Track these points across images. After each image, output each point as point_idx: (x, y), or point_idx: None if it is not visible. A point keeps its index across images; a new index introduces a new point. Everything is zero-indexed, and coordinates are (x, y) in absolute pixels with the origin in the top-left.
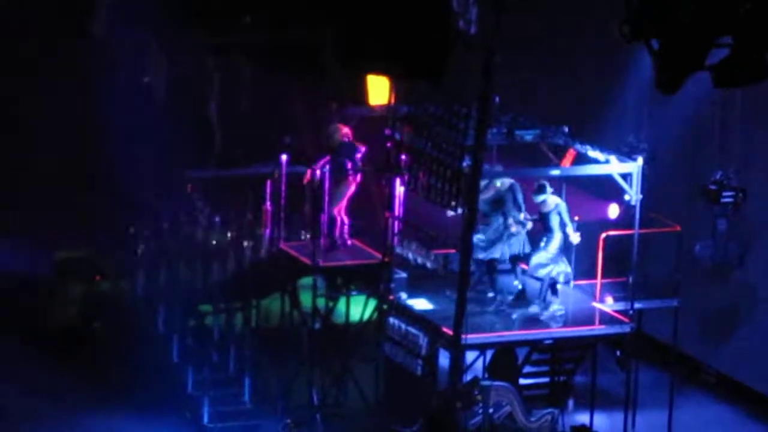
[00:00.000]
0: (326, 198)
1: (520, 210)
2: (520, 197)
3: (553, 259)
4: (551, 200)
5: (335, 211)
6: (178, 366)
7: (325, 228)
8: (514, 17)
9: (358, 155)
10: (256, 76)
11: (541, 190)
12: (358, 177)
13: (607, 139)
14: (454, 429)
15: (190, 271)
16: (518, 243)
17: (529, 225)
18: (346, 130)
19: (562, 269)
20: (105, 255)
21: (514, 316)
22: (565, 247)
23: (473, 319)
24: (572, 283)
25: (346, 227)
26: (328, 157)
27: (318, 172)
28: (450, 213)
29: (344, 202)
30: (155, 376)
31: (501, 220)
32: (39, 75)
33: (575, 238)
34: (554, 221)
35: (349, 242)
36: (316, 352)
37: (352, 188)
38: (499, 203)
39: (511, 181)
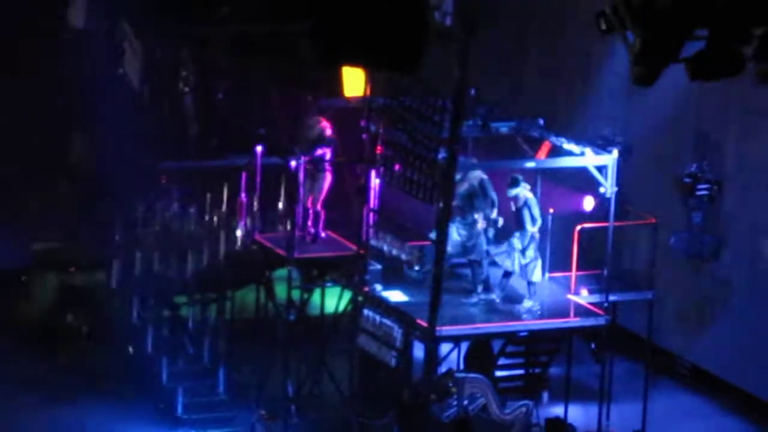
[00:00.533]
0: (302, 190)
1: (493, 205)
2: (491, 192)
3: (521, 255)
4: (522, 194)
5: (309, 203)
6: (153, 357)
7: (301, 220)
8: (490, 10)
9: (334, 147)
10: (232, 68)
11: (514, 183)
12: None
13: (582, 131)
14: (426, 420)
15: (165, 262)
16: (486, 240)
17: (500, 222)
18: (324, 122)
19: (533, 267)
20: (80, 246)
21: (491, 308)
22: (540, 238)
23: (448, 311)
24: (547, 275)
25: (320, 219)
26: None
27: (293, 164)
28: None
29: (321, 195)
30: (130, 367)
31: (475, 214)
32: (15, 66)
33: (535, 233)
34: (526, 216)
35: (323, 234)
36: (291, 344)
37: (329, 180)
38: (472, 197)
39: (482, 176)
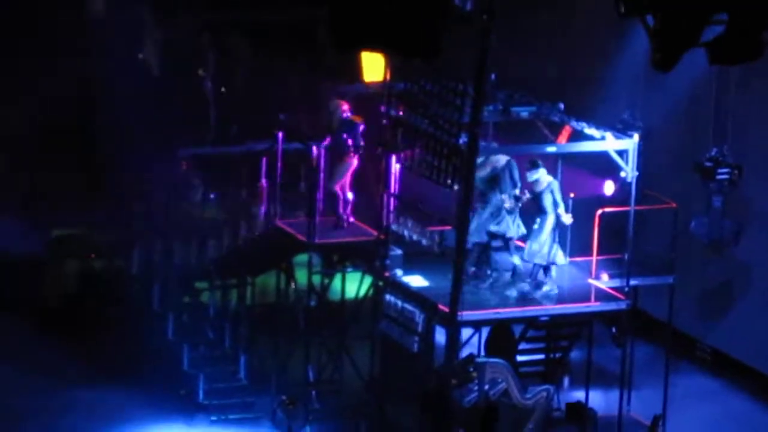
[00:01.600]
0: (322, 175)
1: (515, 186)
2: (516, 174)
3: (548, 243)
4: (544, 178)
5: (338, 188)
6: (174, 343)
7: (322, 205)
8: None
9: (359, 131)
10: (252, 54)
11: (534, 166)
12: (358, 154)
13: (602, 116)
14: (448, 405)
15: (186, 248)
16: (512, 222)
17: (526, 197)
18: (346, 106)
19: (554, 251)
20: (100, 233)
21: (509, 293)
22: (559, 227)
23: (469, 296)
24: (567, 259)
25: (349, 205)
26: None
27: (315, 149)
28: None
29: (347, 179)
30: (151, 353)
31: (498, 197)
32: (35, 53)
33: (567, 218)
34: (547, 200)
35: (351, 219)
36: (311, 329)
37: (353, 165)
38: (495, 181)
39: (507, 158)
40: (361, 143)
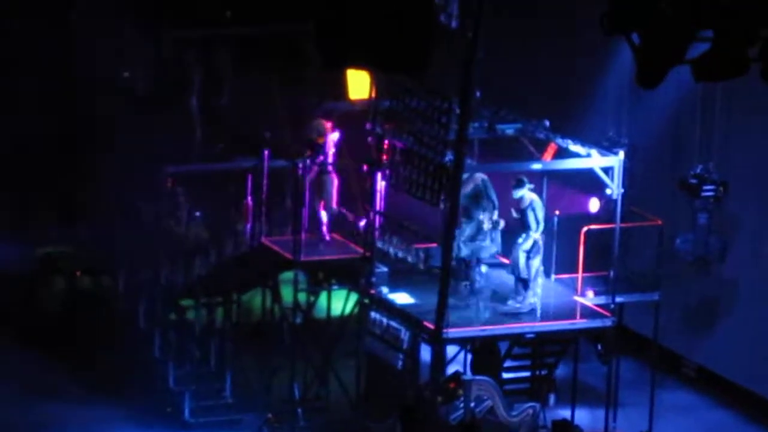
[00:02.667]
0: (307, 193)
1: (494, 207)
2: (492, 194)
3: (528, 258)
4: (528, 196)
5: (329, 206)
6: (160, 361)
7: (306, 223)
8: (494, 12)
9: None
10: (237, 70)
11: (519, 185)
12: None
13: (588, 133)
14: (430, 421)
15: (172, 266)
16: (494, 241)
17: (502, 224)
18: (329, 125)
19: (536, 268)
20: (87, 250)
21: (495, 310)
22: (546, 240)
23: (454, 313)
24: (553, 277)
25: (324, 223)
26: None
27: (300, 166)
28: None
29: (335, 196)
30: (137, 370)
31: (479, 215)
32: (19, 70)
33: (538, 237)
34: (531, 218)
35: (327, 237)
36: (297, 347)
37: (336, 183)
38: (478, 198)
39: (483, 176)
40: (331, 159)
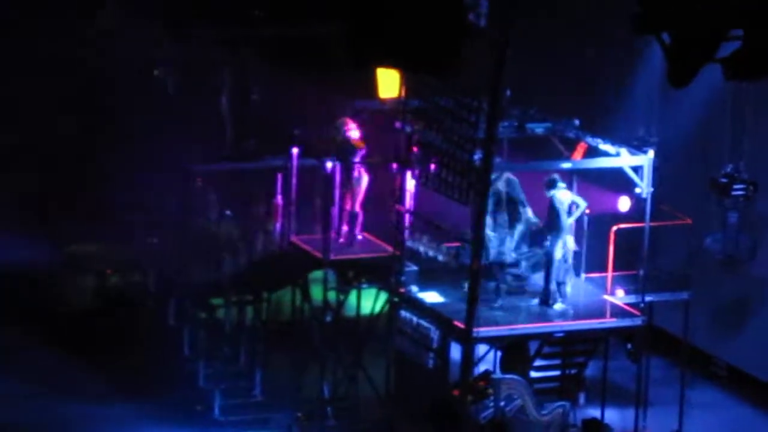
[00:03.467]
0: (337, 192)
1: (523, 205)
2: (518, 194)
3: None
4: (559, 196)
5: (355, 206)
6: (190, 359)
7: (337, 222)
8: (524, 11)
9: (355, 156)
10: (267, 70)
11: (552, 185)
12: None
13: (617, 132)
14: (460, 420)
15: (202, 264)
16: (518, 240)
17: (539, 223)
18: (352, 124)
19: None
20: (116, 249)
21: (526, 309)
22: (577, 239)
23: (484, 312)
24: (583, 275)
25: (358, 221)
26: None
27: (329, 165)
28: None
29: (361, 196)
30: (167, 369)
31: (523, 217)
32: (51, 70)
33: (570, 243)
34: (562, 217)
35: (359, 236)
36: (327, 346)
37: (366, 182)
38: (500, 202)
39: (509, 176)
40: (355, 169)
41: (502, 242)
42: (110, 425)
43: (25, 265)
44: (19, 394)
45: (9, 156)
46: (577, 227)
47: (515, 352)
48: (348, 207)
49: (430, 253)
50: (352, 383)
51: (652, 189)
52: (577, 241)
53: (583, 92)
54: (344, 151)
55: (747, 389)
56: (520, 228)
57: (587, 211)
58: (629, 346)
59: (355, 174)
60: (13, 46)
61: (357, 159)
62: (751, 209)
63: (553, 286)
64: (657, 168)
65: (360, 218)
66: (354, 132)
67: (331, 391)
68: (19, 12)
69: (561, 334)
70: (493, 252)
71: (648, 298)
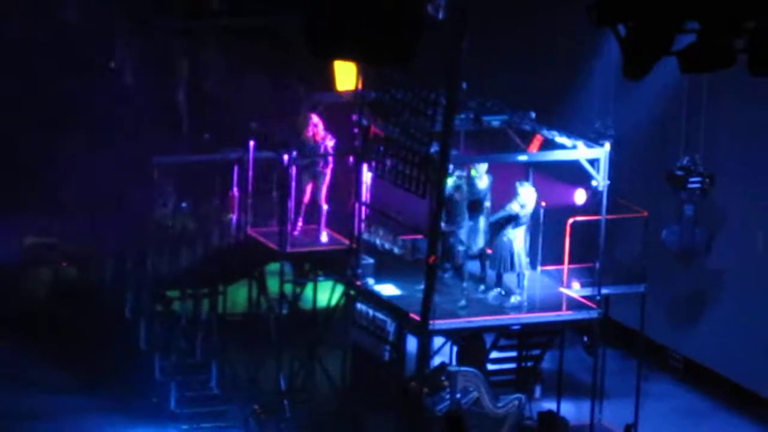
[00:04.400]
0: (293, 184)
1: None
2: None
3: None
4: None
5: (320, 199)
6: (146, 352)
7: (293, 215)
8: (481, 3)
9: (330, 144)
10: (224, 61)
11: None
12: (331, 164)
13: (574, 124)
14: (416, 412)
15: (158, 256)
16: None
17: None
18: (316, 119)
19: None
20: (72, 241)
21: (483, 302)
22: (532, 232)
23: (441, 305)
24: (540, 268)
25: (323, 215)
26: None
27: (286, 158)
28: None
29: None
30: (123, 362)
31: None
32: (4, 57)
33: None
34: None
35: (324, 232)
36: (283, 338)
37: (328, 176)
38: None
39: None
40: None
41: (470, 236)
42: (67, 417)
43: None
44: None
45: None
46: (533, 220)
47: (472, 344)
48: (306, 200)
49: (386, 246)
50: (308, 376)
51: (608, 182)
52: (533, 233)
53: (539, 85)
54: (307, 144)
55: (703, 381)
56: (483, 221)
57: (543, 204)
58: (585, 338)
59: (319, 167)
60: None
61: (323, 152)
62: (707, 202)
63: (509, 279)
64: (613, 161)
65: (325, 212)
66: (319, 126)
67: (288, 384)
68: None
69: (517, 327)
70: (461, 249)
71: (604, 291)
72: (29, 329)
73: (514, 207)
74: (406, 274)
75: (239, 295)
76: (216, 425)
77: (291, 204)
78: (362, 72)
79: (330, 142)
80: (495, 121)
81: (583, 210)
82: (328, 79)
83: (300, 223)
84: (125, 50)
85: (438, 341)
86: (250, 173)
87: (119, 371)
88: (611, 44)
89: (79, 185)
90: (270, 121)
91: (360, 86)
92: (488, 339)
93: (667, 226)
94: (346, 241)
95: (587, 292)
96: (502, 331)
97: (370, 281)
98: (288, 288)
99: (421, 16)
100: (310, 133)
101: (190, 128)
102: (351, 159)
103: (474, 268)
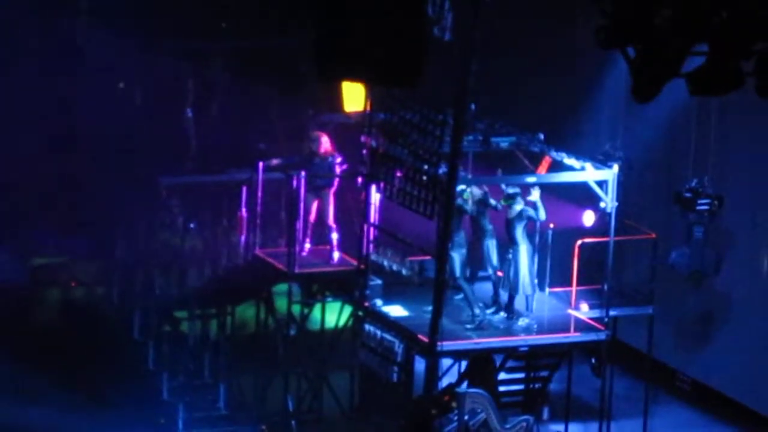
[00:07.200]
0: (302, 205)
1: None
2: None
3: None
4: (518, 208)
5: (328, 220)
6: (154, 372)
7: (301, 235)
8: (489, 25)
9: (337, 162)
10: (232, 82)
11: (513, 198)
12: (335, 184)
13: (582, 146)
14: None
15: (166, 277)
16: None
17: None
18: (325, 138)
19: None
20: (81, 262)
21: (495, 325)
22: (541, 253)
23: (449, 326)
24: (548, 290)
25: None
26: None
27: (295, 179)
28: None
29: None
30: (131, 382)
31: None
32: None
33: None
34: (518, 231)
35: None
36: (291, 359)
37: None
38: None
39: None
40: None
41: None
42: None
43: None
44: None
45: None
46: (541, 241)
47: (480, 366)
48: (313, 218)
49: (394, 267)
50: (316, 397)
51: (616, 203)
52: (541, 255)
53: (548, 107)
54: (316, 163)
55: (711, 403)
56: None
57: (552, 226)
58: (593, 360)
59: (327, 185)
60: None
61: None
62: (716, 224)
63: (517, 300)
64: (622, 182)
65: (335, 232)
66: (327, 145)
67: (295, 405)
68: None
69: (525, 349)
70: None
71: (612, 313)
72: (38, 349)
73: (530, 211)
74: (414, 295)
75: (247, 316)
76: None
77: (299, 225)
78: (370, 93)
79: (337, 160)
80: (503, 143)
81: (591, 232)
82: (336, 100)
83: (308, 244)
84: (134, 70)
85: (447, 362)
86: (259, 194)
87: (127, 391)
88: (621, 66)
89: (88, 206)
90: (278, 142)
91: (368, 107)
92: (496, 360)
93: (676, 248)
94: (354, 262)
95: (595, 313)
96: (510, 352)
97: (378, 302)
98: (296, 309)
99: (427, 38)
100: (322, 150)
101: (199, 149)
102: (359, 180)
103: (485, 289)
